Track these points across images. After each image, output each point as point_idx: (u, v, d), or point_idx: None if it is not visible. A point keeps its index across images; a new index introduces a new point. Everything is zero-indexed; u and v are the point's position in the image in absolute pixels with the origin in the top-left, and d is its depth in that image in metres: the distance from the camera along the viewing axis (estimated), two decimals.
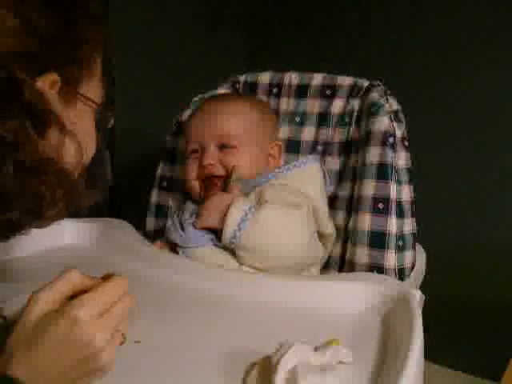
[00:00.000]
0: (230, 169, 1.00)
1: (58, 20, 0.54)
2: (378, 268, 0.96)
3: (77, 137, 0.58)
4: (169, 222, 1.06)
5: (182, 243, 1.00)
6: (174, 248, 1.04)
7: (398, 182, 0.99)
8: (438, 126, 1.62)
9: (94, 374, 0.53)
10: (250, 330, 0.75)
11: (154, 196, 1.24)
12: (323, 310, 0.78)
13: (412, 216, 1.01)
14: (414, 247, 1.01)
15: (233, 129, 1.01)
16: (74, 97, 0.59)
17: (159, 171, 1.24)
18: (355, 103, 1.10)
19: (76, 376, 0.52)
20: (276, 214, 0.93)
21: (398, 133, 1.01)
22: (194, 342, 0.71)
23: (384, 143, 1.00)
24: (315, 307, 0.79)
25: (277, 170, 1.04)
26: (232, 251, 0.96)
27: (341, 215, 1.06)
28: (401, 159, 1.01)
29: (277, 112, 1.18)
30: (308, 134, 1.15)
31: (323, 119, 1.13)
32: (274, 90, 1.20)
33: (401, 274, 0.97)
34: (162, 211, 1.22)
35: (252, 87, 1.22)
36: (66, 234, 1.08)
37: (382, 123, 1.01)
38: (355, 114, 1.09)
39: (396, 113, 1.03)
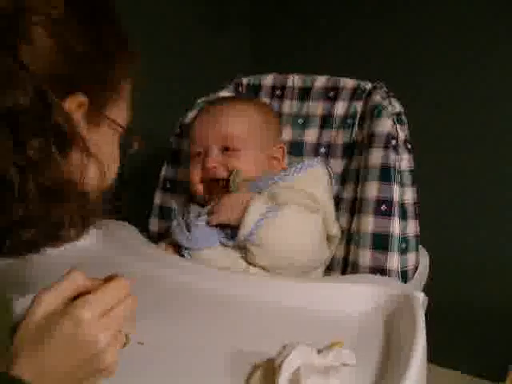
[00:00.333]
0: (233, 171, 1.00)
1: (91, 42, 0.54)
2: (381, 270, 0.96)
3: (101, 161, 0.58)
4: (174, 224, 1.06)
5: (188, 245, 1.00)
6: (178, 249, 1.05)
7: (401, 184, 0.99)
8: (440, 128, 1.62)
9: (98, 374, 0.53)
10: (254, 331, 0.76)
11: (158, 198, 1.24)
12: (326, 311, 0.78)
13: (415, 218, 1.01)
14: (417, 249, 1.01)
15: (236, 131, 1.02)
16: (100, 119, 0.58)
17: (163, 173, 1.25)
18: (358, 105, 1.10)
19: (81, 376, 0.52)
20: (295, 216, 0.94)
21: (401, 135, 1.01)
22: (197, 344, 0.71)
23: (387, 145, 1.00)
24: (318, 309, 0.79)
25: (283, 173, 1.04)
26: (240, 251, 0.97)
27: (344, 217, 1.06)
28: (404, 161, 1.01)
29: (280, 114, 1.18)
30: (311, 136, 1.15)
31: (326, 121, 1.13)
32: (277, 93, 1.20)
33: (404, 276, 0.97)
34: (165, 213, 1.22)
35: (255, 89, 1.22)
36: None
37: (385, 125, 1.01)
38: (358, 116, 1.10)
39: (399, 115, 1.03)
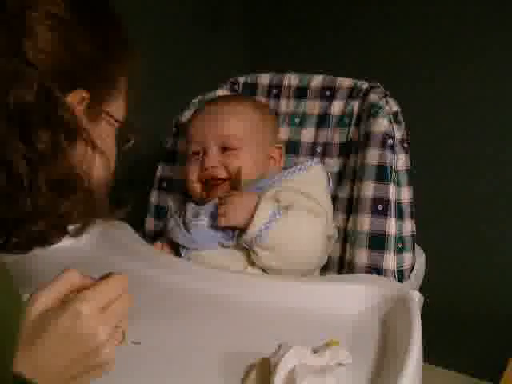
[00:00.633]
0: (231, 171, 1.00)
1: (92, 38, 0.56)
2: (377, 269, 0.96)
3: (104, 153, 0.59)
4: (171, 223, 1.06)
5: (186, 244, 1.00)
6: (175, 248, 1.05)
7: (398, 184, 0.99)
8: (437, 128, 1.62)
9: (94, 369, 0.53)
10: (249, 331, 0.75)
11: (154, 197, 1.24)
12: (322, 311, 0.78)
13: (411, 217, 1.01)
14: (413, 248, 1.01)
15: (234, 130, 1.02)
16: (99, 115, 0.60)
17: (159, 172, 1.24)
18: (355, 105, 1.10)
19: (78, 370, 0.52)
20: (303, 219, 0.94)
21: (398, 134, 1.01)
22: (193, 343, 0.71)
23: (383, 145, 1.00)
24: (314, 308, 0.79)
25: (283, 173, 1.05)
26: (240, 252, 0.97)
27: (340, 216, 1.06)
28: (400, 161, 1.01)
29: (276, 113, 1.18)
30: (307, 135, 1.15)
31: (323, 120, 1.13)
32: (274, 91, 1.20)
33: (400, 276, 0.97)
34: (161, 212, 1.22)
35: (252, 88, 1.22)
36: (66, 235, 1.08)
37: (382, 125, 1.01)
38: (355, 115, 1.09)
39: (396, 114, 1.03)
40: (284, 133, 1.17)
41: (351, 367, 0.62)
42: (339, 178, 1.10)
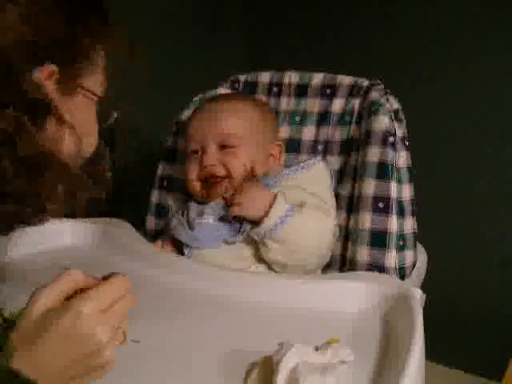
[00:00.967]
0: (230, 169, 1.00)
1: (58, 12, 0.54)
2: (378, 267, 0.96)
3: (75, 129, 0.58)
4: (174, 222, 1.06)
5: (189, 242, 1.00)
6: (176, 247, 1.05)
7: (399, 181, 0.99)
8: (438, 125, 1.62)
9: (95, 370, 0.53)
10: (251, 329, 0.75)
11: (155, 196, 1.24)
12: (324, 309, 0.78)
13: (412, 215, 1.01)
14: (414, 246, 1.01)
15: (233, 128, 1.01)
16: (74, 88, 0.59)
17: (159, 171, 1.24)
18: (355, 102, 1.09)
19: (78, 371, 0.52)
20: (316, 218, 0.95)
21: (399, 132, 1.01)
22: (194, 342, 0.71)
23: (384, 142, 0.99)
24: (316, 306, 0.79)
25: (285, 171, 1.04)
26: (243, 250, 0.97)
27: (341, 214, 1.05)
28: (401, 158, 1.01)
29: (277, 111, 1.18)
30: (308, 133, 1.14)
31: (323, 118, 1.13)
32: (274, 90, 1.20)
33: (401, 273, 0.97)
34: (162, 211, 1.22)
35: (252, 87, 1.22)
36: (66, 234, 1.08)
37: (383, 122, 1.00)
38: (355, 113, 1.09)
39: (396, 112, 1.03)
40: (285, 131, 1.16)
41: (353, 365, 0.62)
42: (340, 175, 1.09)
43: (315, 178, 1.04)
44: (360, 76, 1.12)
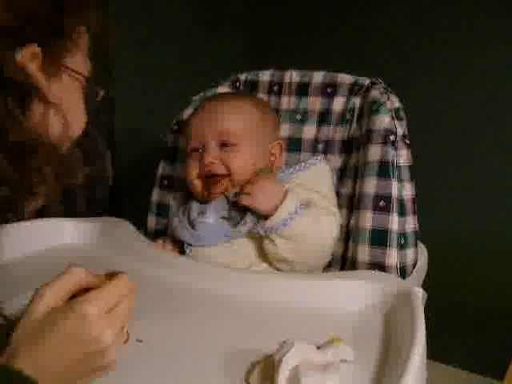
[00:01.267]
0: (230, 167, 1.00)
1: None
2: (379, 266, 0.96)
3: (62, 109, 0.58)
4: (175, 221, 1.06)
5: (191, 241, 1.00)
6: (178, 246, 1.04)
7: (400, 180, 0.99)
8: (438, 124, 1.62)
9: (97, 371, 0.53)
10: (252, 329, 0.75)
11: (155, 195, 1.24)
12: (325, 308, 0.78)
13: (413, 214, 1.01)
14: (415, 245, 1.00)
15: (233, 127, 1.01)
16: (58, 69, 0.58)
17: (160, 170, 1.24)
18: (356, 101, 1.09)
19: (79, 371, 0.52)
20: (323, 216, 0.96)
21: (399, 130, 1.01)
22: (195, 342, 0.71)
23: (385, 141, 0.99)
24: (317, 306, 0.79)
25: (288, 170, 1.04)
26: (245, 249, 0.98)
27: (342, 213, 1.05)
28: (402, 157, 1.00)
29: (277, 110, 1.17)
30: (309, 132, 1.14)
31: (324, 117, 1.13)
32: (275, 89, 1.19)
33: (403, 272, 0.97)
34: (163, 210, 1.22)
35: (252, 86, 1.22)
36: (66, 234, 1.08)
37: (384, 121, 1.00)
38: (356, 112, 1.09)
39: (397, 110, 1.02)
40: (285, 130, 1.16)
41: (354, 364, 0.62)
42: (341, 174, 1.09)
43: (318, 178, 1.04)
44: (361, 74, 1.12)
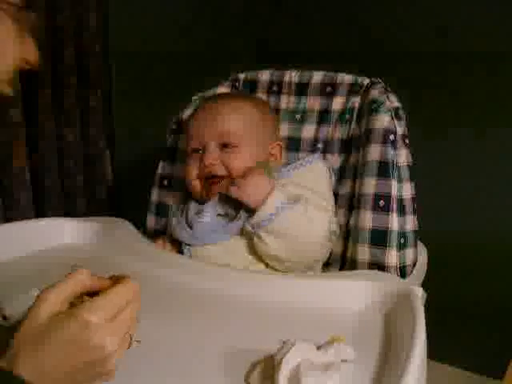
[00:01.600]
0: (230, 168, 1.00)
1: None
2: (379, 266, 0.96)
3: None
4: (174, 221, 1.06)
5: (189, 241, 1.00)
6: (176, 246, 1.04)
7: (399, 180, 0.99)
8: (438, 123, 1.62)
9: (99, 378, 0.52)
10: (252, 329, 0.75)
11: (155, 195, 1.24)
12: (325, 308, 0.78)
13: (413, 213, 1.01)
14: (415, 244, 1.00)
15: (233, 127, 1.01)
16: None
17: (160, 170, 1.24)
18: (356, 101, 1.09)
19: (80, 379, 0.51)
20: (311, 212, 0.94)
21: (399, 130, 1.01)
22: (195, 342, 0.71)
23: (385, 141, 0.99)
24: (317, 306, 0.79)
25: (285, 168, 1.04)
26: (242, 249, 0.97)
27: (342, 213, 1.05)
28: (402, 156, 1.01)
29: (277, 110, 1.18)
30: (308, 131, 1.14)
31: (324, 117, 1.13)
32: (274, 88, 1.19)
33: (402, 272, 0.97)
34: (162, 210, 1.22)
35: (252, 85, 1.22)
36: (66, 234, 1.07)
37: (383, 121, 1.00)
38: (356, 111, 1.09)
39: (397, 110, 1.02)
40: (285, 130, 1.16)
41: (355, 364, 0.62)
42: (340, 174, 1.09)
43: (314, 176, 1.04)
44: (360, 74, 1.12)
